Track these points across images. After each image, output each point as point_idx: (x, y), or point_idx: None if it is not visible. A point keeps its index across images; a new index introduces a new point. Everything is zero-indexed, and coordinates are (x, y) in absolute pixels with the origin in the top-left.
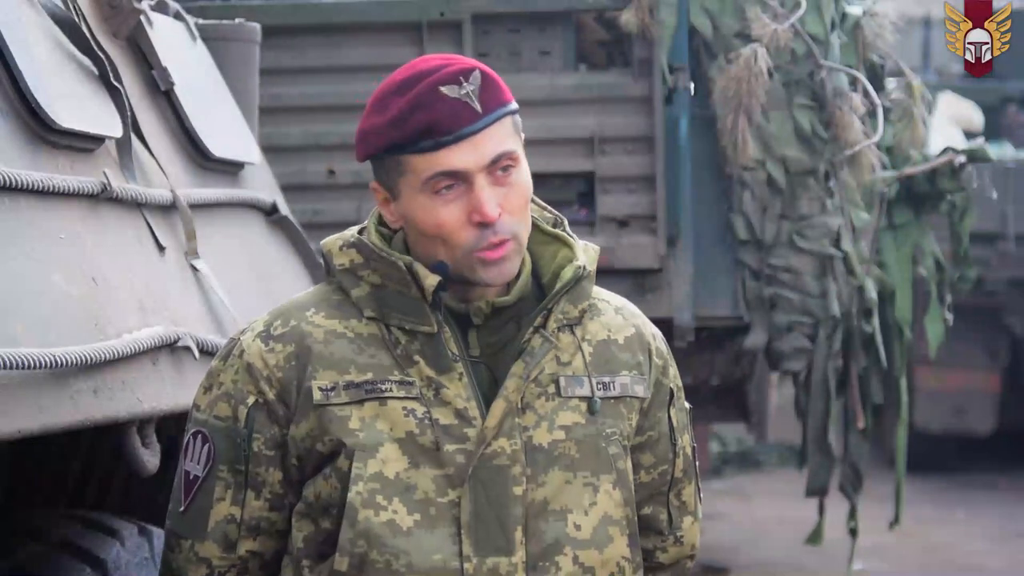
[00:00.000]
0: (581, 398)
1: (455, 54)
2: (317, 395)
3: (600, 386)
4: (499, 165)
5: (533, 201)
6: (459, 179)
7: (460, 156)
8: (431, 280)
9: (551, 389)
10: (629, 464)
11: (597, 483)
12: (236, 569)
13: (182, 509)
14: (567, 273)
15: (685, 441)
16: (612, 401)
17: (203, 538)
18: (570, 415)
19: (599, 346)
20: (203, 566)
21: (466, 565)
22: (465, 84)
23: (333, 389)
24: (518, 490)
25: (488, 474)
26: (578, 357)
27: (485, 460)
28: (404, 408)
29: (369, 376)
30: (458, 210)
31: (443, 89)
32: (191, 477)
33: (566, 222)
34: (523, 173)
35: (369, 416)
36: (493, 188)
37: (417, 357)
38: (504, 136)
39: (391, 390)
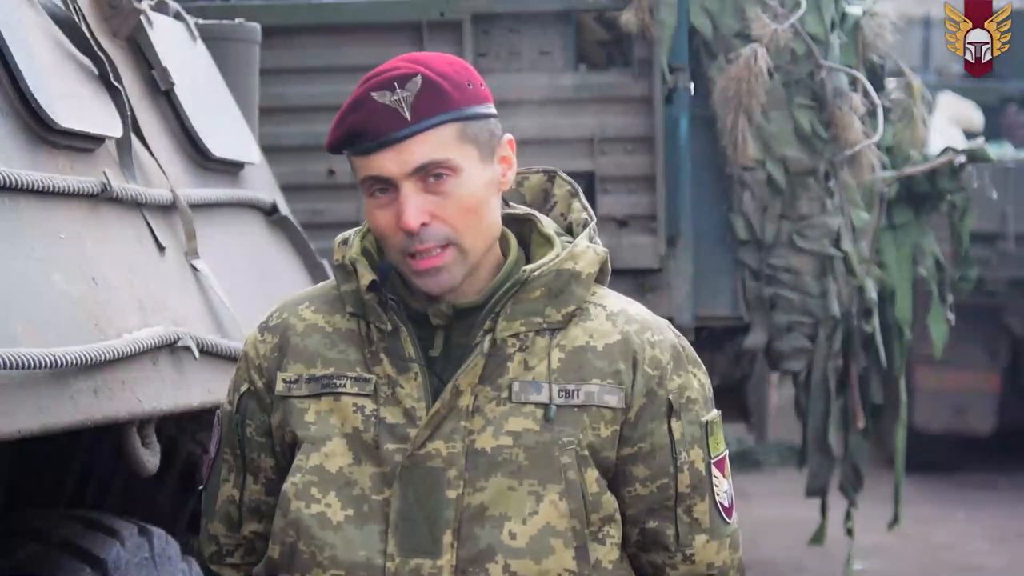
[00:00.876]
0: (537, 404)
1: (450, 54)
2: (280, 386)
3: (562, 393)
4: (429, 173)
5: (577, 198)
6: (389, 184)
7: (384, 162)
8: (365, 279)
9: (504, 394)
10: (590, 475)
11: (543, 492)
12: (243, 548)
13: (202, 487)
14: (524, 275)
15: (694, 456)
16: (575, 410)
17: (212, 516)
18: (521, 421)
19: (573, 352)
20: (212, 543)
21: (388, 564)
22: (398, 90)
23: (296, 382)
24: (452, 493)
25: (420, 475)
26: (543, 363)
27: (418, 461)
28: (354, 405)
29: (331, 371)
30: (389, 214)
31: (374, 95)
32: (209, 457)
33: (594, 222)
34: (463, 183)
35: (324, 410)
36: (423, 195)
37: (383, 355)
38: (439, 145)
39: (345, 386)
